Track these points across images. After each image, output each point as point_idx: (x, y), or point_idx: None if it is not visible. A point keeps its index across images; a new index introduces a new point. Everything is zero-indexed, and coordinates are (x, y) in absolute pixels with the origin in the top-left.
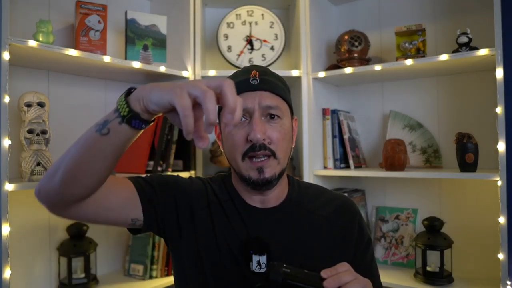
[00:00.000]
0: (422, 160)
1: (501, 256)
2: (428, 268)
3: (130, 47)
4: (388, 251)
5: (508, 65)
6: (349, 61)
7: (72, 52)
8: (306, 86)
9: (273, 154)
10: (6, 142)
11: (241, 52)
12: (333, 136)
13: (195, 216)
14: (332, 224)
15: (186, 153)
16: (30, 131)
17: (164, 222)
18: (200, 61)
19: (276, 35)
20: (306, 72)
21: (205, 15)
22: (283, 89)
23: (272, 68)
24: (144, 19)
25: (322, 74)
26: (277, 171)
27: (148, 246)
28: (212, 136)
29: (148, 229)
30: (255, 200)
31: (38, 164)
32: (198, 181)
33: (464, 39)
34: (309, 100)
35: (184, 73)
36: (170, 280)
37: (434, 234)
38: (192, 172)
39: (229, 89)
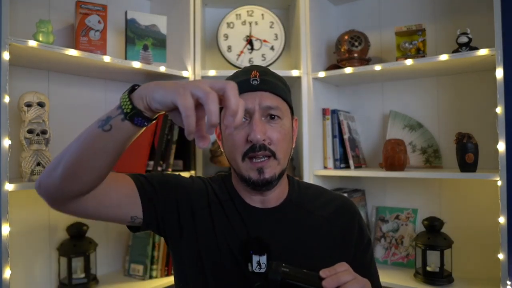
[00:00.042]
0: (422, 160)
1: (501, 256)
2: (428, 268)
3: (130, 47)
4: (388, 251)
5: (508, 65)
6: (349, 61)
7: (72, 52)
8: (306, 86)
9: (273, 155)
10: (6, 142)
11: (241, 52)
12: (333, 136)
13: (195, 216)
14: (332, 224)
15: (186, 153)
16: (30, 131)
17: (165, 221)
18: (200, 61)
19: (276, 35)
20: (306, 72)
21: (205, 15)
22: (284, 89)
23: (272, 68)
24: (144, 19)
25: (322, 74)
26: (277, 172)
27: (148, 246)
28: (212, 136)
29: (148, 227)
30: (255, 200)
31: (38, 164)
32: (198, 180)
33: (464, 39)
34: (309, 100)
35: (184, 73)
36: (170, 280)
37: (434, 234)
38: (192, 172)
39: (232, 91)
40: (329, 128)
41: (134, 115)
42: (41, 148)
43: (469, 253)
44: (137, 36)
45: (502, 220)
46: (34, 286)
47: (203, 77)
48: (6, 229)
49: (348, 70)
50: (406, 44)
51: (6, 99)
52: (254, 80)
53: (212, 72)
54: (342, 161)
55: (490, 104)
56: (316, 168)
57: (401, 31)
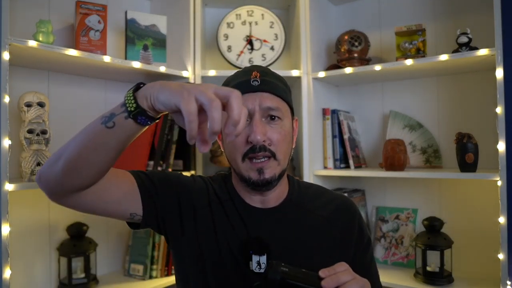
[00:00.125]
0: (422, 160)
1: (501, 256)
2: (428, 268)
3: (130, 47)
4: (388, 251)
5: (508, 65)
6: (349, 61)
7: (72, 52)
8: (306, 86)
9: (273, 155)
10: (6, 142)
11: (241, 52)
12: (333, 136)
13: (197, 214)
14: (332, 224)
15: (186, 153)
16: (30, 131)
17: (165, 219)
18: (200, 61)
19: (276, 35)
20: (306, 72)
21: (205, 15)
22: (284, 89)
23: (272, 68)
24: (144, 19)
25: (322, 74)
26: (277, 172)
27: (148, 246)
28: None
29: (147, 225)
30: (255, 200)
31: (38, 164)
32: (199, 179)
33: (464, 39)
34: (309, 100)
35: (184, 73)
36: (170, 280)
37: (434, 234)
38: (192, 172)
39: (236, 100)
40: (329, 128)
41: (138, 114)
42: (41, 148)
43: (469, 253)
44: (137, 36)
45: (502, 220)
46: (34, 286)
47: (203, 77)
48: (6, 229)
49: (348, 70)
50: (406, 44)
51: (6, 99)
52: (255, 80)
53: (212, 72)
54: (342, 161)
55: (490, 104)
56: (316, 168)
57: (401, 31)
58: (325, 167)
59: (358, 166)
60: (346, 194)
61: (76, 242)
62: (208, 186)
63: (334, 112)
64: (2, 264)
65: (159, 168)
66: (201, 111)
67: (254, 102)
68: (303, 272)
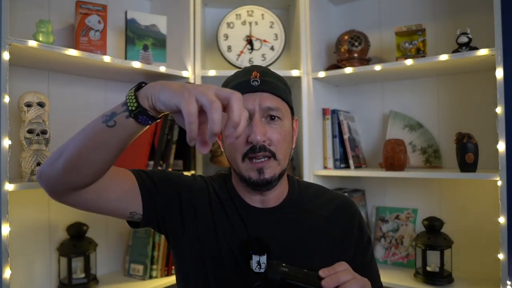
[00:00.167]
0: (422, 160)
1: (501, 256)
2: (428, 268)
3: (130, 47)
4: (388, 251)
5: (508, 65)
6: (349, 61)
7: (72, 52)
8: (306, 86)
9: (273, 156)
10: (6, 142)
11: (241, 52)
12: (333, 136)
13: (197, 214)
14: (332, 224)
15: (186, 153)
16: (30, 131)
17: (165, 218)
18: (200, 61)
19: (276, 35)
20: (306, 72)
21: (205, 15)
22: (284, 90)
23: (272, 68)
24: (144, 19)
25: (322, 74)
26: (277, 172)
27: (148, 246)
28: None
29: (147, 224)
30: (255, 200)
31: (38, 164)
32: (200, 179)
33: (464, 39)
34: (309, 100)
35: (184, 73)
36: (170, 280)
37: (434, 234)
38: (192, 172)
39: (237, 102)
40: (329, 128)
41: (139, 113)
42: (41, 148)
43: (469, 253)
44: (137, 36)
45: (502, 220)
46: (34, 286)
47: (203, 77)
48: (6, 229)
49: (348, 70)
50: (406, 44)
51: (6, 99)
52: (255, 81)
53: (212, 72)
54: (342, 161)
55: (490, 104)
56: (316, 168)
57: (401, 31)
58: (325, 167)
59: (358, 166)
60: (346, 194)
61: (76, 242)
62: (209, 185)
63: (334, 112)
64: (2, 264)
65: (159, 168)
66: (202, 112)
67: (254, 102)
68: (303, 272)
